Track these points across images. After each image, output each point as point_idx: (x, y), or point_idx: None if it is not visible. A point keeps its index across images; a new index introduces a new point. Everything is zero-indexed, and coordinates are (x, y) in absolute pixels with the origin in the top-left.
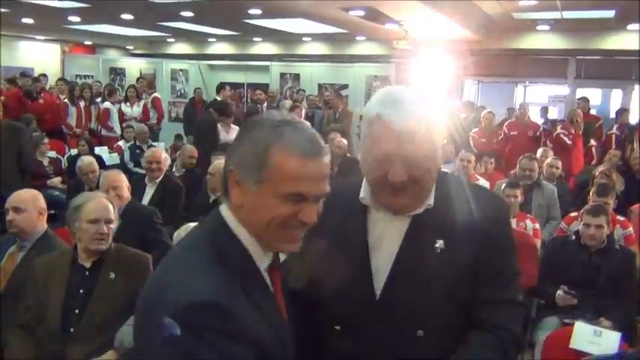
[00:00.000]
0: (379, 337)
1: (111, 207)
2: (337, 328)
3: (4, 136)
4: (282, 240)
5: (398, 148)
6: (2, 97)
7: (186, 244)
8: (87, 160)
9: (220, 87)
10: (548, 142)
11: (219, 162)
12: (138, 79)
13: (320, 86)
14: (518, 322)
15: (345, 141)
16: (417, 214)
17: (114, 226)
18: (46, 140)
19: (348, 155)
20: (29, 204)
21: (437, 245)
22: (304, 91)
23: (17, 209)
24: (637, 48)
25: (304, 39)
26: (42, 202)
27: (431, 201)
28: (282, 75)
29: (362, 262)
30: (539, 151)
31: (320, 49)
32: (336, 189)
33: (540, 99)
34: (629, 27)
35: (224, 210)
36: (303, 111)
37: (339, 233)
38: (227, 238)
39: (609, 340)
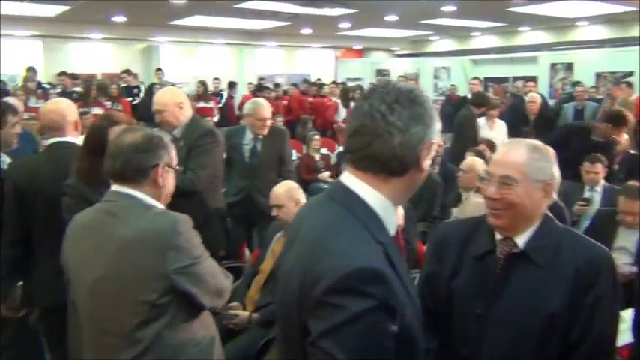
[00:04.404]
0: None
1: None
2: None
3: (270, 141)
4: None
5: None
6: (284, 102)
7: (325, 219)
8: None
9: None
10: None
11: (471, 159)
12: (398, 78)
13: (597, 75)
14: None
15: (626, 135)
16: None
17: None
18: (317, 137)
19: (631, 152)
20: (284, 199)
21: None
22: (580, 82)
23: (277, 206)
24: None
25: (578, 23)
26: (296, 194)
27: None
28: (553, 65)
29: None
30: None
31: (598, 33)
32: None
33: None
34: None
35: (349, 180)
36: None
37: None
38: (363, 208)
39: None
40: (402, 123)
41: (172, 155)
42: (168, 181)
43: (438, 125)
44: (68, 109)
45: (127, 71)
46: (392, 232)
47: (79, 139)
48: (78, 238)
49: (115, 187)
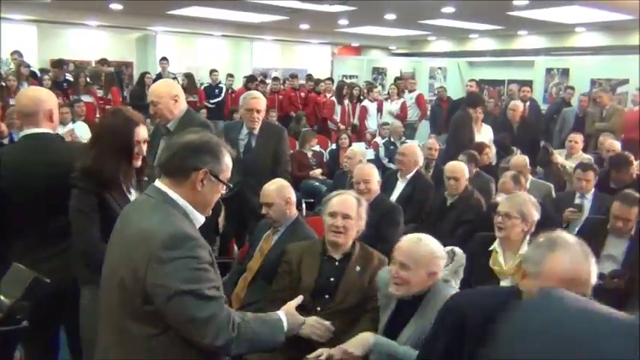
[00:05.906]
0: None
1: (354, 204)
2: None
3: (265, 137)
4: None
5: None
6: (280, 97)
7: None
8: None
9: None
10: None
11: (457, 163)
12: (396, 79)
13: (592, 82)
14: None
15: (616, 143)
16: None
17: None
18: (314, 135)
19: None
20: (275, 197)
21: None
22: (572, 88)
23: (267, 204)
24: None
25: (577, 29)
26: (287, 192)
27: None
28: (549, 70)
29: None
30: None
31: (596, 40)
32: None
33: None
34: None
35: None
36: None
37: None
38: None
39: None
40: None
41: (223, 167)
42: (209, 190)
43: None
44: (45, 98)
45: (102, 60)
46: None
47: (54, 130)
48: (116, 226)
49: (157, 182)
